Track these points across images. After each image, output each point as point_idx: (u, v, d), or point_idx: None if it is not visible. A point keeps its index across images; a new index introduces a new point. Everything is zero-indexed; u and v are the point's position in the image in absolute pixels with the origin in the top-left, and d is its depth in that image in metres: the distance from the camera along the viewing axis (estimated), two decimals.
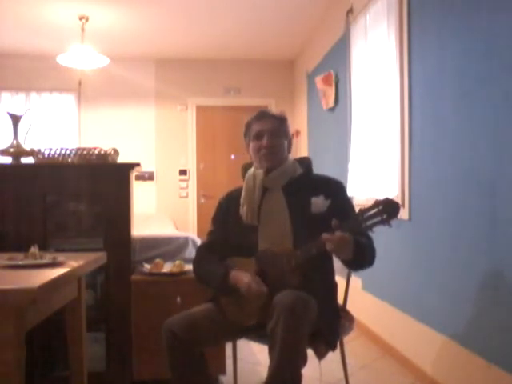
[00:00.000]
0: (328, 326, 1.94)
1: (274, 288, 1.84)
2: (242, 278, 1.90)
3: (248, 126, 2.09)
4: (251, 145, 2.07)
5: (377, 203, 1.67)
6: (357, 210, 1.93)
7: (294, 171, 2.06)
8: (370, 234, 1.80)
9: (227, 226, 2.10)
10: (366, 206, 1.70)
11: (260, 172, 2.04)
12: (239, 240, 2.02)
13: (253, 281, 1.88)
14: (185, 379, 1.90)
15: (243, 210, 2.03)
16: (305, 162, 2.12)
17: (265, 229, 1.99)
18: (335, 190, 2.05)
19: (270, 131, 2.02)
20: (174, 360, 1.88)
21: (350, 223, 1.73)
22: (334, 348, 1.95)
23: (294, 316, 1.68)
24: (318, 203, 1.97)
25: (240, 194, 2.08)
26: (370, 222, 1.68)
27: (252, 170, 2.09)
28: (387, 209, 1.65)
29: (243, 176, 2.14)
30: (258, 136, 2.03)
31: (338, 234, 1.72)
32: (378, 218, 1.66)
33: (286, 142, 2.08)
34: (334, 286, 2.09)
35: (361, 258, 1.89)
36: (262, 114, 2.08)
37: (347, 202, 2.06)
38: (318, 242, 1.80)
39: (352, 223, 1.72)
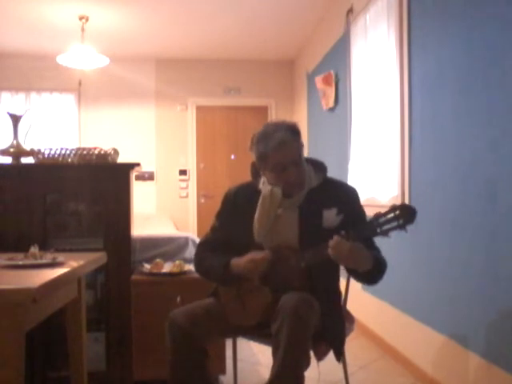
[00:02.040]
0: (333, 333, 1.92)
1: (279, 288, 1.84)
2: (242, 260, 1.89)
3: (263, 155, 1.88)
4: (271, 175, 1.92)
5: (393, 208, 1.65)
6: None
7: (309, 184, 1.97)
8: (387, 238, 1.76)
9: (232, 223, 2.04)
10: (382, 211, 1.68)
11: (279, 192, 1.92)
12: (241, 243, 1.98)
13: (252, 255, 1.87)
14: (185, 373, 1.88)
15: (255, 229, 1.95)
16: (320, 169, 2.02)
17: (271, 240, 1.95)
18: (348, 200, 1.98)
19: (293, 162, 1.87)
20: (175, 352, 1.87)
21: (365, 228, 1.71)
22: (339, 357, 1.93)
23: (299, 318, 1.68)
24: (330, 218, 1.91)
25: (250, 191, 2.02)
26: (385, 227, 1.65)
27: (269, 187, 1.95)
28: (404, 214, 1.62)
29: (252, 174, 2.08)
30: (280, 169, 1.88)
31: (346, 244, 1.68)
32: (395, 223, 1.64)
33: (303, 156, 1.95)
34: (339, 293, 2.08)
35: (377, 273, 1.87)
36: (281, 145, 1.84)
37: (360, 212, 1.99)
38: (321, 249, 1.77)
39: (367, 228, 1.70)
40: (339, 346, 1.94)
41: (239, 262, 1.91)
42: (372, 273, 1.83)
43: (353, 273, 1.90)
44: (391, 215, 1.64)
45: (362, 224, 1.74)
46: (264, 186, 2.00)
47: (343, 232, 1.72)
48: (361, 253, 1.74)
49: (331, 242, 1.70)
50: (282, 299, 1.76)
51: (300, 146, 1.92)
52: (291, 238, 1.93)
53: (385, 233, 1.67)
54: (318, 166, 2.03)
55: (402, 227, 1.64)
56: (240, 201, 2.05)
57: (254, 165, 2.07)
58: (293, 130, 1.91)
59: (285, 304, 1.72)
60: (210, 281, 2.12)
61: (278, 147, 1.85)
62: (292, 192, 1.93)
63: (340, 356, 1.94)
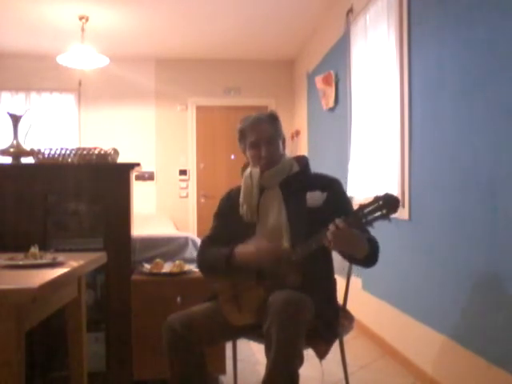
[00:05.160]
0: (326, 323, 1.93)
1: (274, 286, 1.84)
2: (249, 248, 1.93)
3: (242, 133, 2.08)
4: (248, 152, 2.08)
5: (376, 198, 1.68)
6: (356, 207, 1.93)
7: (290, 169, 2.07)
8: (371, 229, 1.80)
9: (228, 223, 2.11)
10: (366, 202, 1.71)
11: (257, 171, 2.06)
12: (240, 238, 2.02)
13: (261, 244, 1.91)
14: (183, 377, 1.89)
15: (243, 210, 2.05)
16: (302, 161, 2.13)
17: (262, 225, 2.02)
18: (331, 185, 2.06)
19: (266, 139, 2.02)
20: (174, 358, 1.88)
21: (350, 218, 1.73)
22: (329, 342, 1.95)
23: (288, 316, 1.69)
24: (314, 197, 1.99)
25: (239, 193, 2.10)
26: (370, 217, 1.69)
27: (249, 169, 2.10)
28: (387, 204, 1.66)
29: (243, 175, 2.15)
30: (255, 145, 2.04)
31: (343, 227, 1.71)
32: (378, 213, 1.67)
33: (280, 143, 2.09)
34: (334, 282, 2.09)
35: (374, 256, 1.91)
36: (256, 121, 2.06)
37: (344, 197, 2.07)
38: (317, 237, 1.80)
39: (352, 218, 1.73)
40: (332, 333, 1.96)
41: (245, 250, 1.94)
42: (369, 256, 1.88)
43: (350, 258, 1.93)
44: (374, 205, 1.68)
45: (347, 215, 1.76)
46: (246, 172, 2.12)
47: (338, 219, 1.73)
48: (358, 237, 1.78)
49: (331, 227, 1.72)
50: (270, 298, 1.77)
51: (276, 129, 2.07)
52: (279, 218, 1.98)
53: (369, 223, 1.70)
54: (300, 160, 2.14)
55: (385, 217, 1.66)
56: (233, 202, 2.12)
57: (244, 167, 2.18)
58: (270, 115, 2.10)
59: (273, 302, 1.73)
60: (212, 275, 2.13)
61: (254, 124, 2.05)
62: (267, 168, 2.04)
63: (330, 341, 1.95)
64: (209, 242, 2.15)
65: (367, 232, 1.92)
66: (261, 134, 2.03)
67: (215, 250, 2.05)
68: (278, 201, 2.02)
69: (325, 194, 1.99)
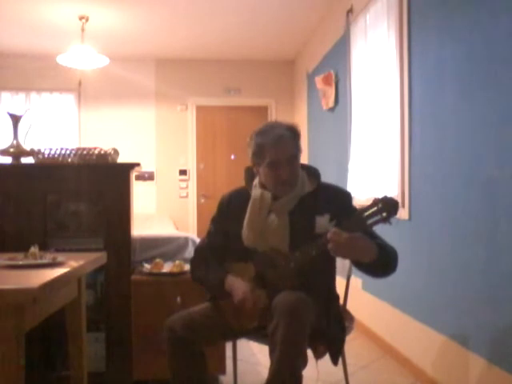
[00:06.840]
0: (330, 336, 1.92)
1: (274, 291, 1.83)
2: (238, 288, 1.88)
3: (261, 148, 1.89)
4: (264, 170, 1.92)
5: (375, 202, 1.65)
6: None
7: (302, 190, 1.96)
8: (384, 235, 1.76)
9: (226, 229, 2.05)
10: (365, 206, 1.69)
11: (268, 196, 1.94)
12: (237, 247, 1.99)
13: (248, 292, 1.86)
14: (184, 378, 1.90)
15: (245, 234, 1.96)
16: (314, 175, 2.01)
17: (261, 246, 1.93)
18: (343, 205, 1.95)
19: (288, 160, 1.88)
20: (174, 358, 1.88)
21: (349, 223, 1.70)
22: (335, 362, 1.92)
23: (295, 317, 1.68)
24: (323, 224, 1.89)
25: (241, 196, 2.02)
26: (369, 221, 1.65)
27: (260, 190, 1.97)
28: (386, 207, 1.63)
29: (246, 180, 2.07)
30: (275, 165, 1.88)
31: (344, 234, 1.65)
32: (378, 217, 1.64)
33: (299, 159, 1.96)
34: (336, 294, 2.06)
35: (384, 261, 1.80)
36: (278, 138, 1.87)
37: (350, 210, 1.93)
38: (317, 243, 1.78)
39: (351, 223, 1.70)
40: (336, 350, 1.93)
41: (233, 287, 1.90)
42: (380, 262, 1.77)
43: (359, 266, 1.83)
44: (374, 209, 1.64)
45: (346, 220, 1.71)
46: (255, 189, 1.99)
47: (335, 223, 1.69)
48: (360, 241, 1.70)
49: (329, 235, 1.67)
50: (275, 299, 1.75)
51: (297, 146, 1.94)
52: (281, 245, 1.91)
53: (369, 227, 1.67)
54: (312, 173, 2.02)
55: (385, 220, 1.63)
56: (233, 206, 2.05)
57: (247, 170, 2.08)
58: (292, 130, 1.94)
59: (279, 304, 1.72)
60: (203, 289, 2.12)
61: (276, 142, 1.87)
62: (282, 191, 1.92)
63: (337, 360, 1.92)
64: (203, 251, 2.11)
65: (379, 238, 1.86)
66: (283, 153, 1.87)
67: (208, 268, 2.01)
68: (283, 227, 1.92)
69: (334, 222, 1.85)
